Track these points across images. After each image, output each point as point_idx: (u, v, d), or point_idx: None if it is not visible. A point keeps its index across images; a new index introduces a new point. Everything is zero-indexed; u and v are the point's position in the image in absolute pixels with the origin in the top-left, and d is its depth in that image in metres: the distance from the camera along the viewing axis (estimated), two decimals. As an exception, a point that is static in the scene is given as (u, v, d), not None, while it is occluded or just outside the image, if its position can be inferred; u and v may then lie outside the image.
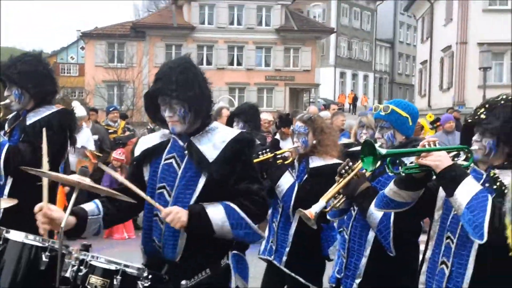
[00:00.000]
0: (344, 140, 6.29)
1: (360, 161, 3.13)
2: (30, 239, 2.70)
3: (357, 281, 3.73)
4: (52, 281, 2.60)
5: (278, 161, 4.55)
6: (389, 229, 3.57)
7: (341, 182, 3.61)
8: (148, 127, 11.22)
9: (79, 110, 10.05)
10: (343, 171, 3.63)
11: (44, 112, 3.95)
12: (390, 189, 3.04)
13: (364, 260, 3.72)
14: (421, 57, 35.61)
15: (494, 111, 2.79)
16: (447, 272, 2.84)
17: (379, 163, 3.01)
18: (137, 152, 3.10)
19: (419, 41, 38.11)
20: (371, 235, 3.69)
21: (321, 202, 3.55)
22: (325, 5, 50.35)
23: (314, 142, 4.44)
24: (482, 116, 2.82)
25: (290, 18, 40.41)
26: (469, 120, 2.92)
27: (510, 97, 2.81)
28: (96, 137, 10.43)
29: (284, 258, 4.48)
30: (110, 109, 12.13)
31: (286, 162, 4.57)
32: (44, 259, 2.64)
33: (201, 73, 2.97)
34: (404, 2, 49.89)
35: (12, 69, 3.94)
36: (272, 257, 4.56)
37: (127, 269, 2.67)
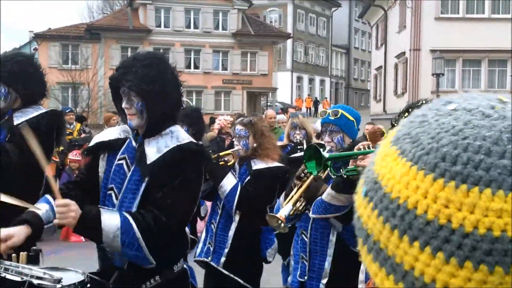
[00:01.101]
0: (279, 143, 6.46)
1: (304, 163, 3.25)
2: None
3: (324, 281, 3.73)
4: None
5: (220, 163, 4.59)
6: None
7: (302, 185, 3.64)
8: (104, 129, 11.08)
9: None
10: (302, 174, 3.65)
11: (32, 112, 3.89)
12: (327, 194, 3.12)
13: (329, 260, 3.73)
14: (376, 63, 36.21)
15: None
16: None
17: (322, 166, 3.09)
18: (92, 143, 3.04)
19: (373, 47, 38.77)
20: (333, 234, 3.72)
21: (289, 206, 3.56)
22: (281, 10, 50.76)
23: (255, 145, 4.51)
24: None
25: (247, 22, 40.59)
26: (394, 124, 3.00)
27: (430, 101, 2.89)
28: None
29: (223, 259, 4.48)
30: (66, 111, 12.09)
31: (228, 164, 4.62)
32: None
33: (171, 73, 2.86)
34: (358, 9, 50.81)
35: (2, 68, 3.88)
36: (210, 258, 4.54)
37: (34, 281, 2.53)
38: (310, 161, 2.96)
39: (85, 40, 37.02)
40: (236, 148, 4.57)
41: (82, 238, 9.71)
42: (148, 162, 2.74)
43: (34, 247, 2.95)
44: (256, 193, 4.42)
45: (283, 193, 3.81)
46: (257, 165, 4.51)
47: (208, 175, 4.43)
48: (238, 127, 4.60)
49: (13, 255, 2.72)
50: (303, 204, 3.69)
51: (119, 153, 2.90)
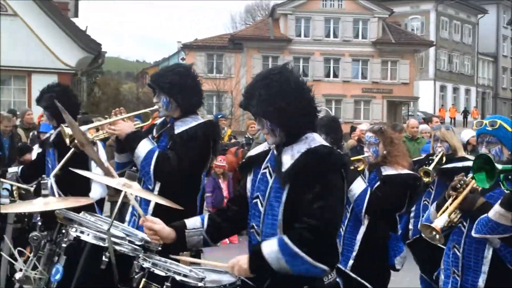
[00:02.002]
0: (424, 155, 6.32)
1: (472, 175, 3.03)
2: (95, 239, 2.76)
3: None
4: (112, 281, 2.70)
5: (351, 167, 4.55)
6: None
7: (457, 197, 3.51)
8: (246, 135, 11.42)
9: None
10: (458, 185, 3.53)
11: (191, 122, 4.07)
12: (495, 211, 2.90)
13: (483, 277, 3.53)
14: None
15: None
16: None
17: (495, 178, 2.87)
18: (246, 159, 3.14)
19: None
20: (488, 250, 3.52)
21: (444, 217, 3.45)
22: (423, 18, 49.30)
23: (385, 152, 4.60)
24: None
25: (387, 30, 39.92)
26: None
27: None
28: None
29: (351, 262, 4.51)
30: (218, 116, 12.55)
31: (358, 169, 4.68)
32: (104, 258, 2.69)
33: (294, 84, 2.81)
34: (507, 16, 47.99)
35: (164, 79, 4.08)
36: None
37: (177, 277, 2.69)
38: (480, 173, 2.76)
39: (228, 50, 38.42)
40: (366, 154, 4.67)
41: (227, 240, 10.12)
42: (284, 169, 2.79)
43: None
44: (386, 198, 4.47)
45: (434, 203, 3.70)
46: (387, 171, 4.58)
47: None
48: (368, 134, 4.72)
49: (184, 253, 2.93)
50: (458, 216, 3.57)
51: (264, 162, 2.97)
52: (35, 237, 2.73)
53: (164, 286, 2.64)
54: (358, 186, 4.52)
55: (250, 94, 2.83)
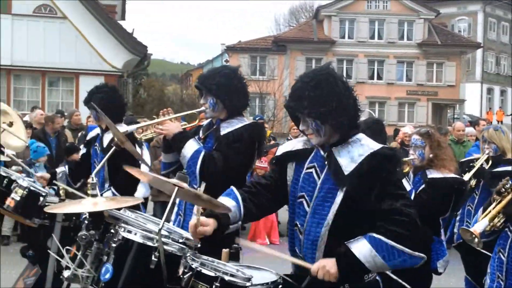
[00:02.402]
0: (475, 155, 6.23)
1: None
2: (143, 239, 2.77)
3: None
4: (161, 280, 2.70)
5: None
6: None
7: (501, 201, 3.47)
8: (288, 138, 11.43)
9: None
10: (503, 189, 3.49)
11: (237, 124, 4.11)
12: None
13: None
14: None
15: None
16: None
17: None
18: (279, 152, 3.10)
19: None
20: None
21: (485, 221, 3.43)
22: (470, 19, 48.35)
23: (431, 155, 4.55)
24: None
25: (433, 32, 39.31)
26: None
27: None
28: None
29: None
30: (257, 119, 12.63)
31: (404, 172, 4.63)
32: (153, 258, 2.70)
33: (341, 84, 2.83)
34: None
35: (211, 80, 4.12)
36: None
37: (226, 277, 2.69)
38: None
39: (272, 52, 38.49)
40: (411, 157, 4.64)
41: (267, 240, 10.19)
42: (346, 172, 2.76)
43: (235, 245, 3.17)
44: (430, 201, 4.42)
45: (482, 207, 3.67)
46: (432, 174, 4.54)
47: None
48: (415, 136, 4.68)
49: (223, 250, 2.95)
50: (502, 220, 3.53)
51: (307, 162, 2.94)
52: (83, 236, 2.76)
53: (214, 286, 2.65)
54: None
55: (298, 95, 2.82)
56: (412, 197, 4.40)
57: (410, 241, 2.70)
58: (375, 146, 2.85)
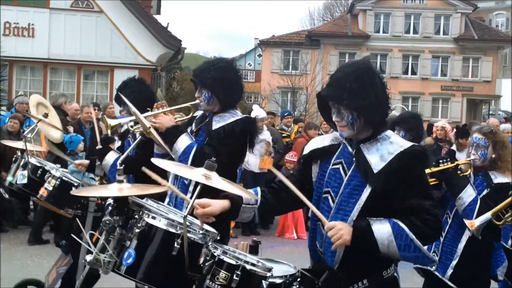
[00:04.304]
0: None
1: None
2: (167, 225, 2.80)
3: None
4: (182, 267, 2.72)
5: (459, 172, 4.37)
6: None
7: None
8: (319, 132, 11.47)
9: (260, 113, 10.70)
10: None
11: (229, 118, 4.14)
12: None
13: None
14: None
15: None
16: None
17: None
18: (306, 151, 3.08)
19: None
20: None
21: (487, 215, 3.44)
22: (509, 14, 47.32)
23: (494, 156, 4.30)
24: None
25: (470, 26, 38.62)
26: None
27: None
28: (270, 138, 10.98)
29: (450, 271, 4.28)
30: (285, 114, 12.74)
31: (464, 174, 4.39)
32: (176, 245, 2.72)
33: (379, 79, 2.82)
34: None
35: (206, 74, 4.14)
36: (434, 267, 4.35)
37: (247, 266, 2.71)
38: None
39: (305, 46, 38.29)
40: (472, 157, 4.37)
41: (294, 235, 10.30)
42: (375, 171, 2.75)
43: (254, 239, 3.23)
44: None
45: None
46: (498, 178, 4.27)
47: (446, 183, 4.36)
48: (477, 135, 4.39)
49: (242, 243, 3.02)
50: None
51: (334, 157, 2.94)
52: (107, 221, 2.79)
53: (235, 275, 2.66)
54: (468, 195, 4.20)
55: (338, 85, 2.78)
56: (478, 204, 4.15)
57: (431, 241, 2.73)
58: (405, 144, 2.83)
